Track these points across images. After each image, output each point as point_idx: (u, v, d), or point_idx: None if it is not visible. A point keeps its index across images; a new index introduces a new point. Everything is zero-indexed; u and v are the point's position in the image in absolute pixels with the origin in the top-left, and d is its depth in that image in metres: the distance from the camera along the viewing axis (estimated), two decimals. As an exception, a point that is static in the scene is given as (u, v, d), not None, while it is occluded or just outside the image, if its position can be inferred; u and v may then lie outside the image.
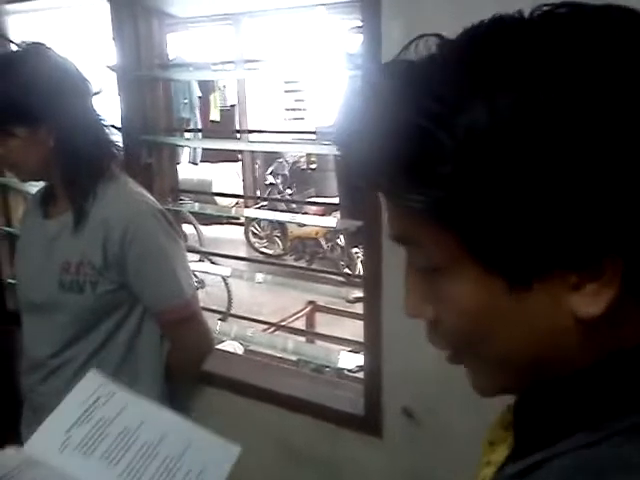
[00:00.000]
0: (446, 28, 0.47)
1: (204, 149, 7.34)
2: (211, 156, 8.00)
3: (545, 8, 0.43)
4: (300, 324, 3.65)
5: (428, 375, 1.30)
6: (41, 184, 1.45)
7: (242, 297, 4.80)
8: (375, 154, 0.43)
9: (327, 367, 2.22)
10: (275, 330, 3.04)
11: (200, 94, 7.36)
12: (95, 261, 1.29)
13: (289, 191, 7.12)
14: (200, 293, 1.42)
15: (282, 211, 5.49)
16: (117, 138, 1.53)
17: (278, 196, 6.97)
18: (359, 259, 5.51)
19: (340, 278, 5.27)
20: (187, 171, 7.10)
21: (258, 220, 6.59)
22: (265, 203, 6.23)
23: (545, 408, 0.47)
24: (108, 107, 1.51)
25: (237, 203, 7.17)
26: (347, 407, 1.49)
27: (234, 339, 1.92)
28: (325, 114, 7.60)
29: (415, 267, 0.49)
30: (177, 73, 2.06)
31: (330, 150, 1.84)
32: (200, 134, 6.40)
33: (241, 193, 7.59)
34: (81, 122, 1.30)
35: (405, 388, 1.37)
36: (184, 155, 7.56)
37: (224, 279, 4.34)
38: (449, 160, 0.40)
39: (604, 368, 0.43)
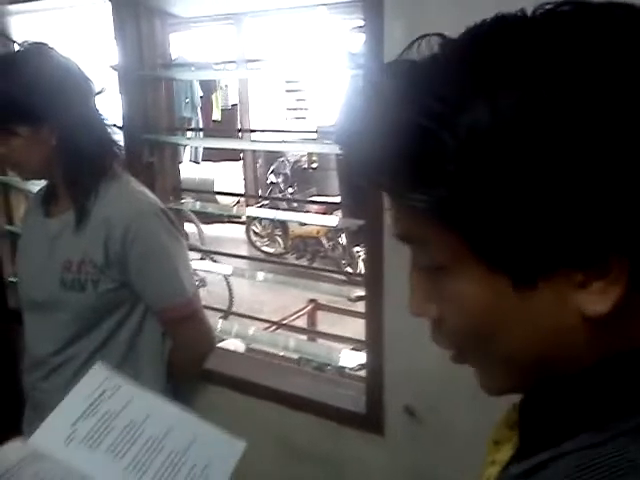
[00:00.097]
0: (449, 28, 0.47)
1: (205, 148, 7.35)
2: (213, 155, 8.02)
3: (548, 6, 0.42)
4: (301, 322, 3.66)
5: (430, 373, 1.30)
6: (43, 183, 1.46)
7: (243, 295, 4.81)
8: (377, 153, 0.43)
9: (328, 365, 2.23)
10: (277, 328, 3.04)
11: (202, 94, 7.37)
12: (97, 260, 1.29)
13: (290, 190, 7.12)
14: (201, 292, 1.42)
15: (283, 210, 5.50)
16: (119, 137, 1.53)
17: (279, 195, 6.97)
18: (360, 258, 5.51)
19: (341, 277, 5.27)
20: (189, 170, 7.11)
21: (259, 219, 6.59)
22: (266, 202, 6.23)
23: (551, 407, 0.47)
24: (110, 106, 1.51)
25: (238, 202, 7.18)
26: (349, 405, 1.49)
27: (235, 337, 1.92)
28: (326, 114, 7.61)
29: (419, 266, 0.48)
30: (179, 73, 2.06)
31: (331, 149, 1.84)
32: (202, 133, 6.40)
33: (242, 192, 7.60)
34: (83, 121, 1.30)
35: (407, 386, 1.37)
36: (186, 154, 7.57)
37: (225, 278, 4.35)
38: (451, 159, 0.40)
39: (610, 367, 0.43)
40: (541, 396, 0.48)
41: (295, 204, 5.95)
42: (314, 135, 4.89)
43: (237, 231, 7.25)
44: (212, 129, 7.99)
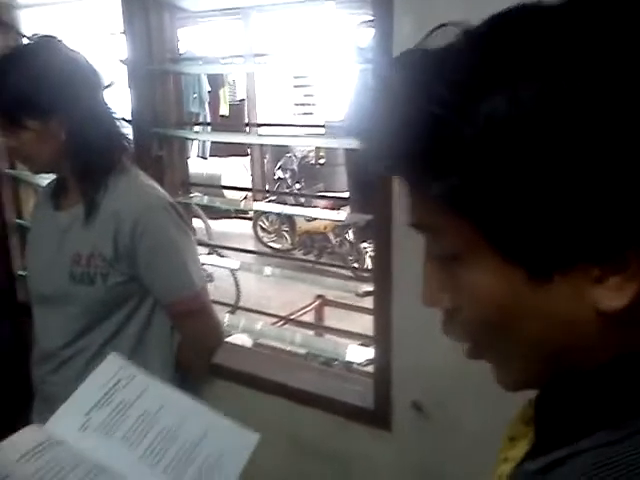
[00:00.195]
0: (458, 23, 0.47)
1: (213, 143, 7.35)
2: (220, 150, 8.01)
3: None
4: (309, 318, 3.66)
5: (438, 369, 1.30)
6: (52, 176, 1.46)
7: (250, 290, 4.81)
8: (390, 141, 0.42)
9: (336, 360, 2.23)
10: (284, 324, 3.05)
11: (209, 89, 7.37)
12: (106, 253, 1.29)
13: (298, 186, 7.11)
14: (208, 286, 1.42)
15: (291, 206, 5.50)
16: (128, 131, 1.53)
17: (287, 190, 6.96)
18: (367, 254, 5.51)
19: (348, 273, 5.27)
20: (197, 166, 7.11)
21: (266, 215, 6.59)
22: (274, 198, 6.23)
23: (567, 403, 0.46)
24: (119, 100, 1.51)
25: (245, 197, 7.18)
26: (356, 400, 1.49)
27: (242, 332, 1.93)
28: (334, 108, 7.59)
29: (433, 255, 0.48)
30: (187, 67, 2.06)
31: (339, 144, 1.84)
32: (209, 128, 6.41)
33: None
34: (92, 115, 1.30)
35: (415, 382, 1.37)
36: (193, 150, 7.58)
37: (233, 272, 4.35)
38: (467, 148, 0.39)
39: (626, 364, 0.42)
40: (557, 392, 0.47)
41: (302, 200, 5.94)
42: (322, 130, 4.88)
43: (244, 227, 7.25)
44: (220, 124, 7.98)
